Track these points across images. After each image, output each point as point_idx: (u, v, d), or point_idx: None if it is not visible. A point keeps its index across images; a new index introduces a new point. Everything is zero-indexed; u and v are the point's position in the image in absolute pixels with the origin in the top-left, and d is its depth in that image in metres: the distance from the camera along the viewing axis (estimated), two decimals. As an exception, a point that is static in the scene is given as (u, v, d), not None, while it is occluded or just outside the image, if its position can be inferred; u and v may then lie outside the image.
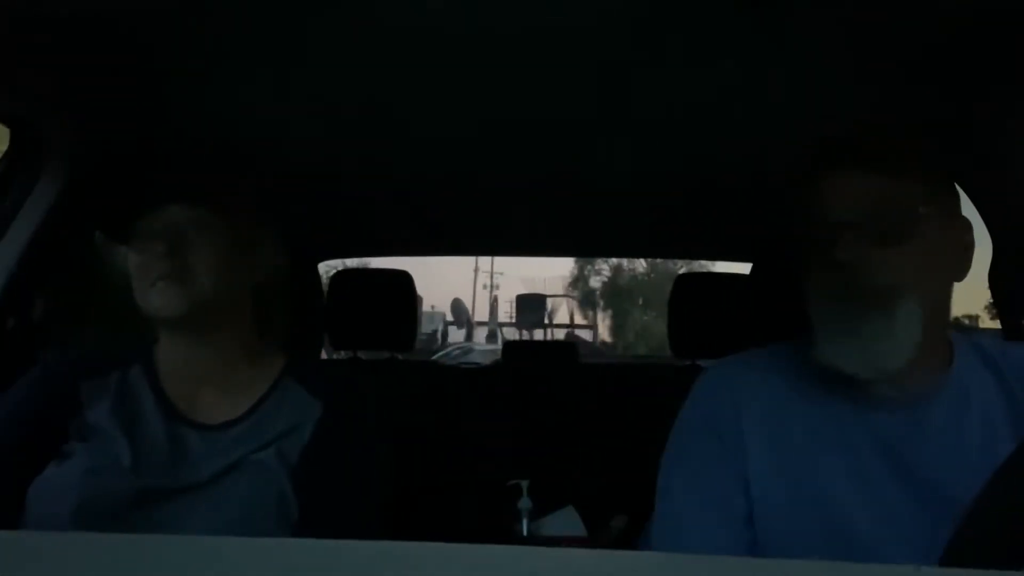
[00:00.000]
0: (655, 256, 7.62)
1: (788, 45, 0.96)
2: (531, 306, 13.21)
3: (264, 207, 1.02)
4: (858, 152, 0.79)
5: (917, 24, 0.89)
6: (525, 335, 11.75)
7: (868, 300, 0.75)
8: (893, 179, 0.77)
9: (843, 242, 0.74)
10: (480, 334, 14.87)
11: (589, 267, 21.08)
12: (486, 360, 4.74)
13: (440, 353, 9.02)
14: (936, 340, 0.80)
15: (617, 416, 1.89)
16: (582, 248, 2.54)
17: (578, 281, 20.82)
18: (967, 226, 0.82)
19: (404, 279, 1.99)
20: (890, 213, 0.76)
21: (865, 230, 0.75)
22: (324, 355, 2.26)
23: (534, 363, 2.24)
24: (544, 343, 4.78)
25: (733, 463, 0.81)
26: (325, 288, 1.94)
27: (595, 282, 21.74)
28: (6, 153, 1.20)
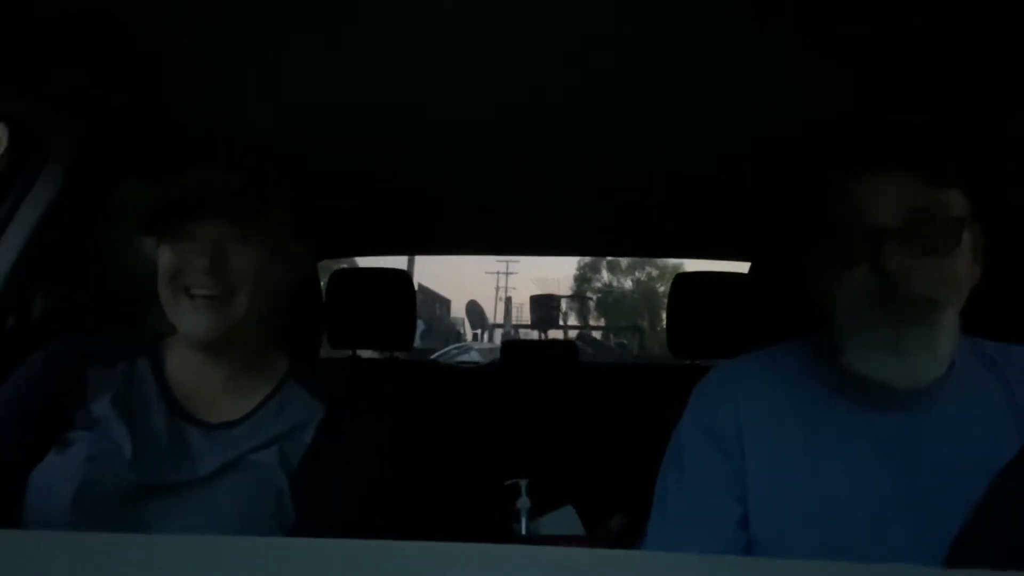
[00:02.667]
0: (656, 256, 7.62)
1: (789, 45, 0.96)
2: (545, 307, 13.20)
3: (300, 220, 1.01)
4: (903, 156, 0.78)
5: (918, 24, 0.89)
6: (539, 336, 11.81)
7: (910, 311, 0.74)
8: (939, 185, 0.76)
9: (890, 250, 0.73)
10: (496, 336, 15.00)
11: (585, 284, 22.04)
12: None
13: (438, 353, 9.04)
14: None
15: (616, 416, 1.89)
16: (583, 248, 2.54)
17: (575, 297, 21.71)
18: (979, 229, 0.82)
19: (403, 278, 1.99)
20: (935, 221, 0.75)
21: (911, 238, 0.74)
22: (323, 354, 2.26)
23: (533, 362, 2.24)
24: (543, 342, 4.77)
25: (730, 468, 0.81)
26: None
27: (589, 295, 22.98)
28: (6, 153, 1.20)
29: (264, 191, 0.96)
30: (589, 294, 22.72)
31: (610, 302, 23.16)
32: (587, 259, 22.76)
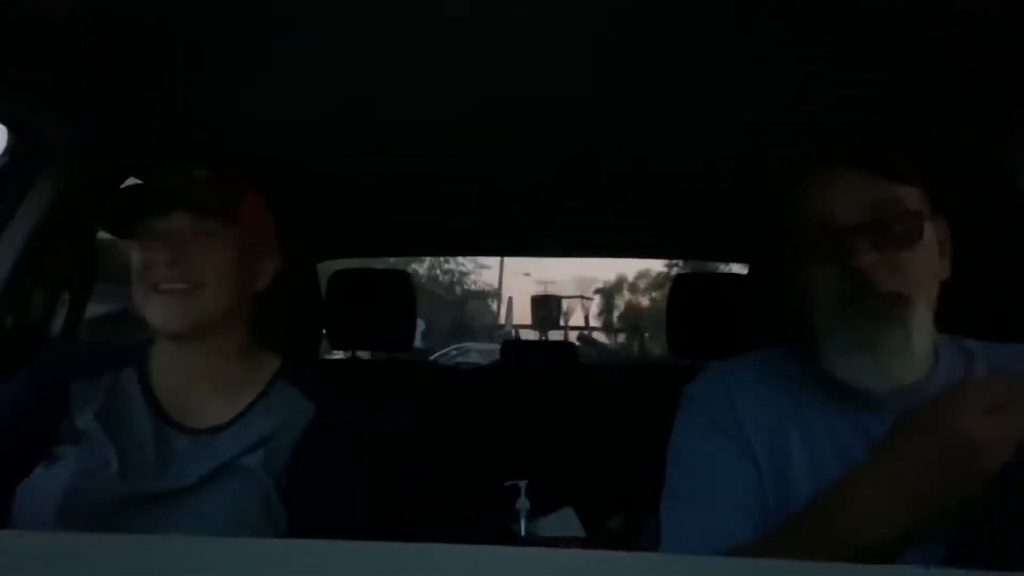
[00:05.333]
0: (654, 256, 7.62)
1: (789, 47, 0.96)
2: (546, 307, 13.15)
3: (271, 212, 1.01)
4: (862, 154, 0.78)
5: (915, 25, 0.89)
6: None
7: (878, 307, 0.73)
8: (897, 180, 0.77)
9: (856, 247, 0.73)
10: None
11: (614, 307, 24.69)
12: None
13: (438, 353, 9.05)
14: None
15: (615, 416, 1.89)
16: (583, 248, 2.54)
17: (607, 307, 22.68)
18: (944, 224, 0.82)
19: (402, 279, 1.99)
20: (898, 215, 0.75)
21: (875, 234, 0.74)
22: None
23: (533, 363, 2.24)
24: (543, 343, 4.77)
25: (735, 445, 0.80)
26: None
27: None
28: (5, 152, 1.20)
29: (232, 186, 0.95)
30: (589, 295, 23.05)
31: (628, 315, 24.46)
32: (611, 281, 24.53)
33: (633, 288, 24.70)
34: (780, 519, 0.77)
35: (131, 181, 1.37)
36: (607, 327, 21.88)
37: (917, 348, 0.75)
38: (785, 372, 0.85)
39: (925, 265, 0.76)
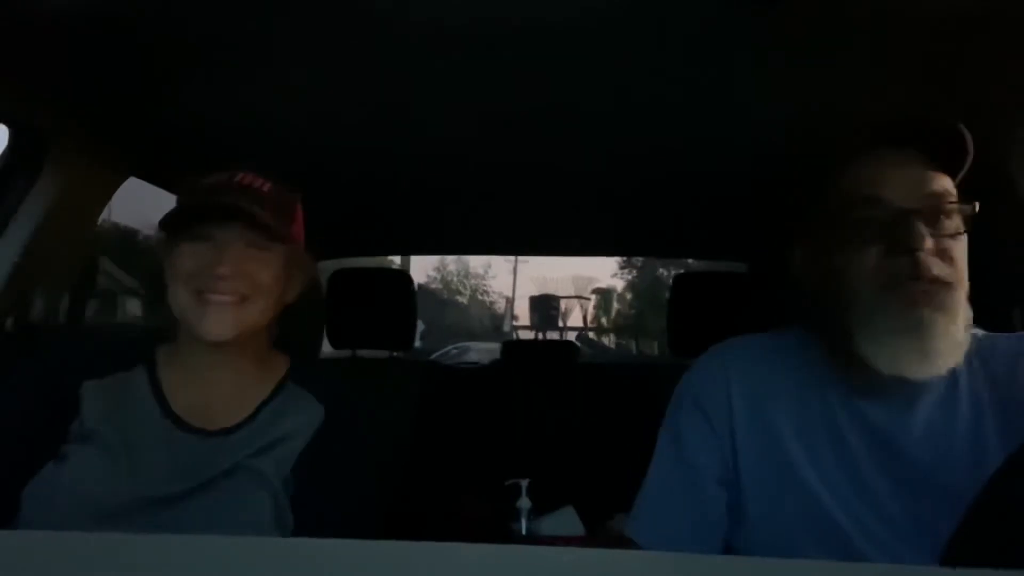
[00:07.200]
0: (654, 256, 7.61)
1: (788, 50, 0.96)
2: (545, 308, 13.15)
3: (311, 226, 1.01)
4: (922, 136, 0.77)
5: (916, 24, 0.89)
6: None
7: (926, 293, 0.73)
8: (949, 170, 0.76)
9: (914, 230, 0.72)
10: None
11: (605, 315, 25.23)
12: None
13: (438, 352, 9.05)
14: None
15: (616, 415, 1.89)
16: (583, 248, 2.54)
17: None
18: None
19: (403, 279, 1.99)
20: (954, 205, 0.75)
21: (932, 220, 0.74)
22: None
23: (533, 362, 2.24)
24: (542, 342, 4.77)
25: (716, 438, 0.82)
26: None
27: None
28: (6, 152, 1.20)
29: (289, 201, 0.95)
30: (587, 295, 23.18)
31: (627, 323, 25.09)
32: (608, 291, 24.83)
33: (629, 290, 24.92)
34: (764, 501, 0.79)
35: (133, 181, 1.38)
36: (605, 327, 21.97)
37: (956, 336, 0.74)
38: (787, 355, 0.85)
39: (964, 258, 0.76)
